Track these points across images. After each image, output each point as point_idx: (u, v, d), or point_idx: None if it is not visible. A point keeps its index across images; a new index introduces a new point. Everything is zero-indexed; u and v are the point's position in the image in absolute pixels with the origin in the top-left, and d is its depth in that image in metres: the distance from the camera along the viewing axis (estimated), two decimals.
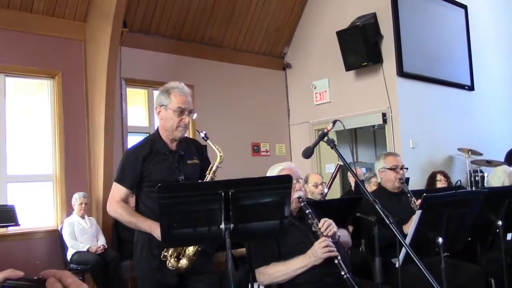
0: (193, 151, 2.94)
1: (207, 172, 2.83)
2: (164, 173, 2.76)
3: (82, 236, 5.78)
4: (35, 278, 0.93)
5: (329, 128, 2.56)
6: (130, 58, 6.91)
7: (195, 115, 2.87)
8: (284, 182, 2.28)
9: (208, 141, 2.84)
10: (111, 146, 6.37)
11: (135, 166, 2.74)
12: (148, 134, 3.61)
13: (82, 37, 6.62)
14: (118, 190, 2.78)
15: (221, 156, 2.85)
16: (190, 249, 2.65)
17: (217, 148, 2.85)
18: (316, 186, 5.12)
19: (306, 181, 5.16)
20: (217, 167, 2.84)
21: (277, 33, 8.68)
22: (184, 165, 2.83)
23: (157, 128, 2.88)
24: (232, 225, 2.19)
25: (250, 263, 2.97)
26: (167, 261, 2.63)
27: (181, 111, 2.75)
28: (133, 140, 6.30)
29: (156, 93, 2.95)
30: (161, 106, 2.79)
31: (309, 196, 5.05)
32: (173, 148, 2.83)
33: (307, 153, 2.60)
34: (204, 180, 2.78)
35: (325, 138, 2.56)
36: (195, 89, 7.63)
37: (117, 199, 2.76)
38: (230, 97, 8.15)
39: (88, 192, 6.33)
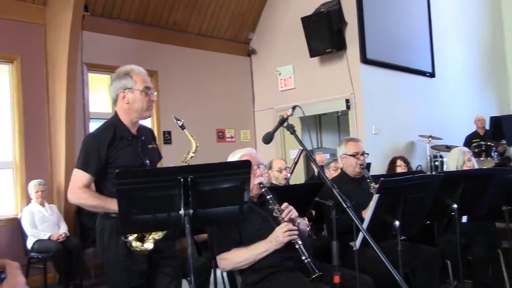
0: (149, 136, 2.94)
1: (182, 160, 2.85)
2: (130, 158, 2.73)
3: (43, 224, 5.68)
4: None
5: (288, 114, 2.58)
6: (92, 43, 6.78)
7: (156, 93, 2.89)
8: (243, 167, 2.29)
9: (184, 130, 2.86)
10: (72, 133, 6.27)
11: (99, 152, 2.68)
12: None
13: (42, 21, 6.46)
14: (81, 177, 2.70)
15: (197, 146, 2.87)
16: (158, 233, 2.64)
17: (194, 138, 2.87)
18: (280, 171, 5.15)
19: (270, 167, 5.19)
20: (192, 156, 2.86)
21: (242, 18, 8.64)
22: (147, 150, 2.83)
23: (115, 114, 2.84)
24: (191, 211, 2.20)
25: (212, 249, 2.98)
26: (130, 243, 2.61)
27: (147, 91, 2.75)
28: (95, 127, 6.22)
29: None
30: (125, 89, 2.75)
31: (274, 182, 5.08)
32: (134, 133, 2.81)
33: (267, 139, 2.61)
34: None
35: (285, 124, 2.58)
36: (159, 75, 7.57)
37: (80, 186, 2.68)
38: (195, 83, 8.10)
39: (49, 179, 6.22)
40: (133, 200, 2.20)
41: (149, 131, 3.04)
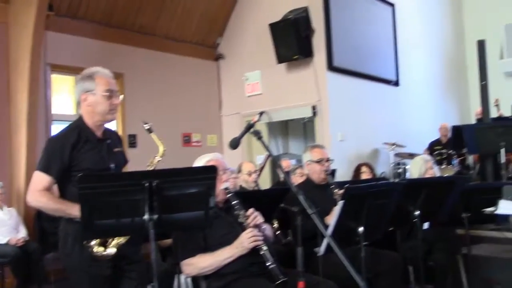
0: (115, 139, 2.90)
1: (148, 165, 2.82)
2: (94, 161, 2.69)
3: (1, 228, 5.50)
4: None
5: (255, 119, 2.59)
6: (56, 43, 6.64)
7: (121, 96, 2.84)
8: (209, 173, 2.28)
9: (151, 134, 2.83)
10: (34, 135, 6.11)
11: (62, 154, 2.62)
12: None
13: (4, 19, 6.28)
14: (42, 179, 2.64)
15: (164, 150, 2.84)
16: (121, 238, 2.60)
17: (162, 142, 2.84)
18: (249, 174, 5.15)
19: (239, 170, 5.18)
20: (158, 160, 2.84)
21: (211, 23, 8.62)
22: (113, 154, 2.80)
23: (80, 117, 2.79)
24: (156, 216, 2.17)
25: (176, 254, 2.96)
26: (92, 248, 2.56)
27: (110, 94, 2.71)
28: (58, 129, 6.10)
29: None
30: (87, 92, 2.71)
31: (243, 185, 5.08)
32: (100, 136, 2.77)
33: (234, 144, 2.61)
34: None
35: (252, 130, 2.58)
36: (125, 78, 7.47)
37: (40, 188, 2.62)
38: (161, 87, 8.03)
39: (8, 182, 6.04)
40: (96, 205, 2.16)
41: (115, 134, 3.00)
